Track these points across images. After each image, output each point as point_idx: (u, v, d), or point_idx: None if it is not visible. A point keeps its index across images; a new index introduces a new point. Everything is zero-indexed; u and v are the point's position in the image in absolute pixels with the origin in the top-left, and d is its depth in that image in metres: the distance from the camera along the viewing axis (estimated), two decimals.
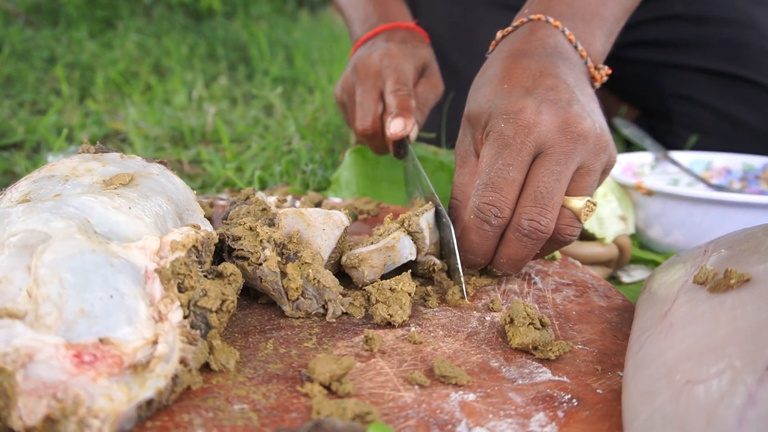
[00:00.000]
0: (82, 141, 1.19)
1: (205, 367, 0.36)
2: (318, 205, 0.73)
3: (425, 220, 0.49)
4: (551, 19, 0.56)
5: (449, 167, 0.87)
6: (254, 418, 0.32)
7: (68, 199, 0.38)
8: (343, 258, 0.47)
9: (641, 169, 0.85)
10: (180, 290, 0.37)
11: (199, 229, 0.42)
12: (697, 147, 1.03)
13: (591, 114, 0.49)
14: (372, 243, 0.47)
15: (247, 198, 0.60)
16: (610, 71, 0.58)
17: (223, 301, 0.38)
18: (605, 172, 0.51)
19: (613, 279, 0.67)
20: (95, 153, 0.49)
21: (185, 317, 0.36)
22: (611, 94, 1.26)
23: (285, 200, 0.64)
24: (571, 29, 0.56)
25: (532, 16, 0.58)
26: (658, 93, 1.11)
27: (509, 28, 0.60)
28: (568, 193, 0.47)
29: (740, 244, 0.39)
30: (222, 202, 0.72)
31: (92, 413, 0.28)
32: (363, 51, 0.76)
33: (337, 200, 0.77)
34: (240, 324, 0.43)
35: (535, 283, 0.53)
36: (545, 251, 0.51)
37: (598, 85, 0.57)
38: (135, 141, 1.22)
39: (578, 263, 0.59)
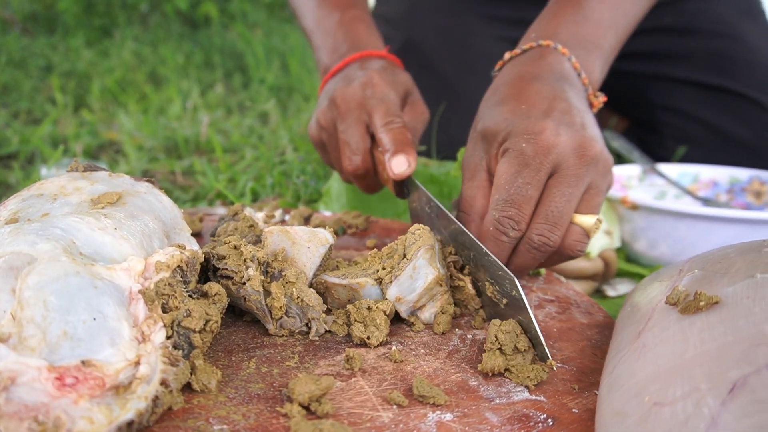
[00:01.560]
0: (76, 153, 1.20)
1: (187, 387, 0.36)
2: (307, 219, 0.74)
3: (397, 290, 0.47)
4: (560, 47, 0.58)
5: (439, 179, 0.88)
6: None
7: (55, 221, 0.39)
8: (314, 280, 0.48)
9: (629, 182, 0.86)
10: (164, 310, 0.38)
11: (185, 248, 0.43)
12: (685, 158, 1.05)
13: (599, 138, 0.53)
14: (340, 277, 0.48)
15: (236, 214, 0.60)
16: (605, 99, 0.61)
17: (207, 321, 0.39)
18: (606, 191, 0.54)
19: (599, 293, 0.68)
20: (84, 171, 0.50)
21: (169, 337, 0.37)
22: (604, 107, 1.28)
23: (273, 215, 0.65)
24: (575, 57, 0.58)
25: (542, 42, 0.60)
26: (646, 104, 1.12)
27: (517, 51, 0.62)
28: (577, 211, 0.51)
29: (713, 264, 0.40)
30: (213, 216, 0.73)
31: None
32: (338, 83, 0.69)
33: (327, 213, 0.78)
34: (224, 342, 0.43)
35: None
36: (552, 262, 0.54)
37: (594, 111, 0.59)
38: (129, 152, 1.23)
39: (562, 278, 0.60)
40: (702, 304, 0.35)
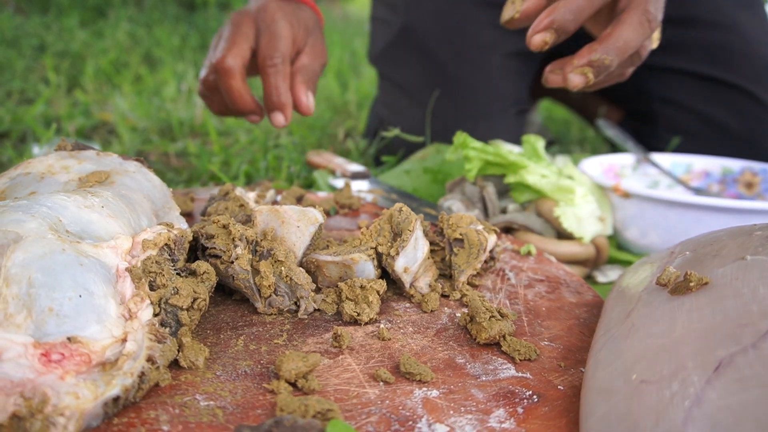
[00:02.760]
0: (69, 133, 1.19)
1: (175, 364, 0.36)
2: (299, 199, 0.74)
3: (404, 261, 0.47)
4: None
5: (432, 169, 0.88)
6: (220, 415, 0.32)
7: (41, 198, 0.39)
8: (304, 259, 0.48)
9: (622, 171, 0.86)
10: (152, 288, 0.38)
11: (173, 227, 0.42)
12: (680, 149, 1.04)
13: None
14: (332, 254, 0.48)
15: (226, 194, 0.60)
16: None
17: (195, 299, 0.39)
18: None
19: (589, 279, 0.68)
20: (72, 150, 0.49)
21: (156, 315, 0.37)
22: (595, 95, 1.27)
23: (265, 195, 0.65)
24: None
25: None
26: (642, 95, 1.12)
27: None
28: None
29: (704, 246, 0.40)
30: (204, 196, 0.73)
31: (58, 411, 0.29)
32: (240, 8, 0.74)
33: (322, 194, 0.77)
34: (212, 320, 0.43)
35: (508, 279, 0.54)
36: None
37: None
38: (122, 133, 1.22)
39: (553, 259, 0.60)
40: (692, 284, 0.35)
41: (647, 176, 0.87)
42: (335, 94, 1.94)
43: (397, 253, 0.47)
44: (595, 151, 1.36)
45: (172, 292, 0.38)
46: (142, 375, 0.32)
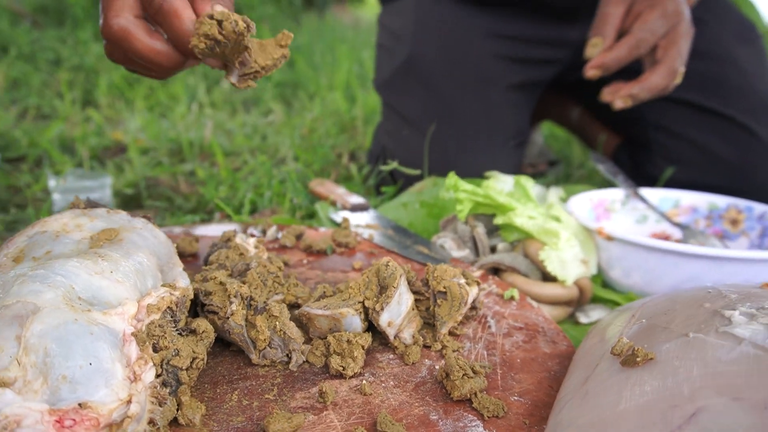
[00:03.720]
0: (83, 158, 1.24)
1: (175, 422, 0.41)
2: (299, 237, 0.78)
3: (389, 315, 0.52)
4: None
5: (428, 203, 0.92)
6: None
7: (56, 266, 0.43)
8: (297, 311, 0.52)
9: (612, 205, 0.89)
10: (155, 349, 0.42)
11: (175, 289, 0.47)
12: (674, 177, 1.07)
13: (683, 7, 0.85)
14: (321, 308, 0.52)
15: (228, 240, 0.65)
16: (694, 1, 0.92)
17: (194, 359, 0.43)
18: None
19: (572, 318, 0.72)
20: (84, 208, 0.54)
21: (158, 375, 0.41)
22: (595, 121, 1.30)
23: (263, 242, 0.69)
24: None
25: None
26: (638, 122, 1.15)
27: None
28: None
29: (659, 316, 0.44)
30: (209, 232, 0.77)
31: None
32: None
33: (322, 230, 0.82)
34: (210, 373, 0.48)
35: (489, 327, 0.58)
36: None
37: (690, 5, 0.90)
38: (134, 157, 1.27)
39: (534, 304, 0.64)
40: (638, 359, 0.38)
41: (636, 210, 0.90)
42: (342, 110, 1.98)
43: (382, 309, 0.51)
44: (595, 174, 1.39)
45: (173, 353, 0.42)
46: None
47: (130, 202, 1.10)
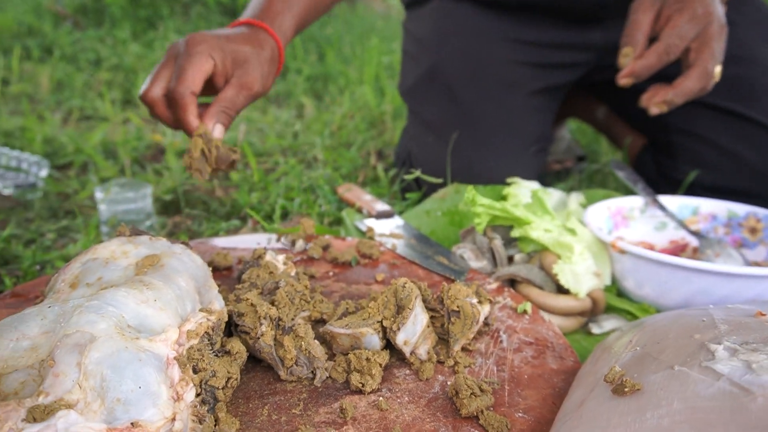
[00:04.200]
0: (125, 166, 1.31)
1: None
2: (325, 248, 0.83)
3: (405, 335, 0.57)
4: None
5: (450, 211, 0.96)
6: None
7: (108, 297, 0.49)
8: (321, 329, 0.57)
9: (631, 213, 0.92)
10: (194, 371, 0.48)
11: (211, 313, 0.52)
12: (697, 181, 1.09)
13: (717, 11, 0.87)
14: (344, 327, 0.57)
15: (259, 257, 0.70)
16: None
17: (229, 379, 0.49)
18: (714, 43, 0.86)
19: (585, 328, 0.75)
20: (129, 236, 0.60)
21: (198, 395, 0.47)
22: (620, 121, 1.31)
23: (292, 257, 0.74)
24: None
25: None
26: (662, 125, 1.16)
27: None
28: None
29: (652, 345, 0.47)
30: (241, 245, 0.83)
31: None
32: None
33: (349, 239, 0.86)
34: (243, 389, 0.53)
35: (501, 342, 0.62)
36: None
37: (724, 9, 0.91)
38: (171, 160, 1.34)
39: (546, 318, 0.68)
40: (626, 390, 0.42)
41: (655, 218, 0.92)
42: (371, 105, 2.01)
43: (398, 329, 0.56)
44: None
45: (211, 374, 0.48)
46: None
47: (169, 207, 1.17)
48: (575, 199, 0.96)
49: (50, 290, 0.57)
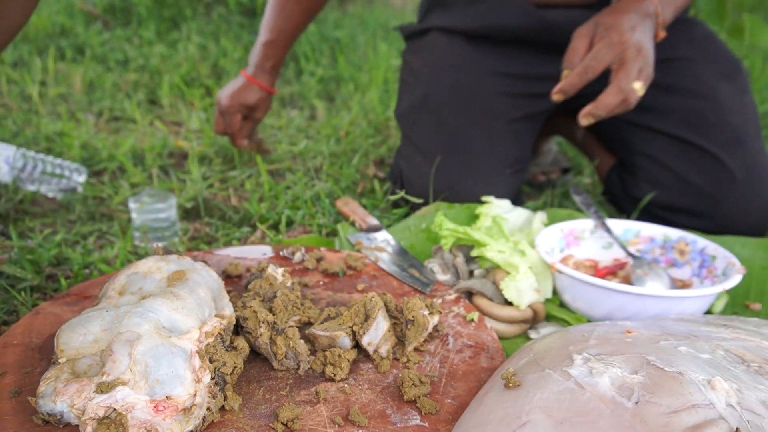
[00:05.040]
0: (151, 174, 1.51)
1: (221, 408, 0.66)
2: (319, 260, 1.03)
3: (368, 338, 0.75)
4: None
5: (428, 229, 1.14)
6: None
7: (148, 304, 0.69)
8: (306, 330, 0.77)
9: (582, 234, 1.09)
10: (210, 361, 0.68)
11: (223, 318, 0.72)
12: (655, 200, 1.25)
13: (644, 42, 1.05)
14: (324, 330, 0.76)
15: (262, 270, 0.90)
16: (665, 35, 1.12)
17: (235, 367, 0.69)
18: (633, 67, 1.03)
19: (526, 334, 0.93)
20: (162, 255, 0.80)
21: (212, 378, 0.67)
22: (595, 142, 1.48)
23: (289, 270, 0.93)
24: (660, 6, 1.09)
25: None
26: (627, 147, 1.33)
27: None
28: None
29: (542, 353, 0.66)
30: (249, 255, 1.02)
31: None
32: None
33: (341, 252, 1.05)
34: (245, 374, 0.73)
35: (447, 344, 0.81)
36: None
37: (657, 40, 1.10)
38: (193, 170, 1.54)
39: (489, 325, 0.86)
40: (511, 385, 0.61)
41: (602, 239, 1.09)
42: (377, 111, 2.18)
43: (364, 333, 0.75)
44: (599, 184, 1.57)
45: (222, 364, 0.68)
46: (204, 417, 0.62)
47: (191, 213, 1.37)
48: (539, 218, 1.14)
49: (103, 295, 0.77)
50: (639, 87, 1.03)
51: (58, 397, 0.61)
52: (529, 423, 0.55)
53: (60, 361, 0.65)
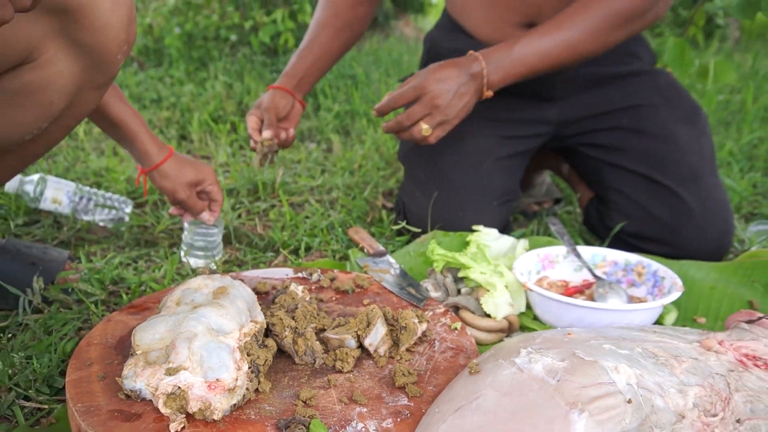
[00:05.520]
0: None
1: (256, 390, 0.88)
2: (332, 279, 1.25)
3: (370, 340, 0.98)
4: (480, 57, 1.30)
5: (425, 254, 1.36)
6: (273, 412, 0.84)
7: (201, 311, 0.92)
8: (321, 334, 0.99)
9: (556, 258, 1.30)
10: (248, 355, 0.90)
11: (257, 323, 0.95)
12: (624, 229, 1.46)
13: (445, 95, 1.28)
14: (335, 333, 0.98)
15: (286, 287, 1.12)
16: (491, 95, 1.33)
17: (266, 360, 0.91)
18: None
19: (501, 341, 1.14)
20: (208, 274, 1.03)
21: (249, 368, 0.89)
22: (578, 177, 1.70)
23: (308, 287, 1.15)
24: (486, 66, 1.29)
25: (473, 53, 1.31)
26: (601, 184, 1.54)
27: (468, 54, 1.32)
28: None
29: (500, 349, 0.87)
30: (274, 275, 1.25)
31: (214, 408, 0.81)
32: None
33: (351, 273, 1.28)
34: (274, 366, 0.95)
35: (434, 346, 1.02)
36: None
37: (483, 97, 1.33)
38: (224, 202, 1.78)
39: (469, 333, 1.08)
40: (472, 371, 0.82)
41: (574, 262, 1.30)
42: (388, 146, 2.42)
43: (366, 336, 0.97)
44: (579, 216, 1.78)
45: (256, 357, 0.90)
46: (243, 395, 0.85)
47: (223, 239, 1.61)
48: (521, 245, 1.36)
49: (163, 306, 1.00)
50: (426, 129, 1.30)
51: (137, 378, 0.84)
52: (482, 396, 0.76)
53: (137, 353, 0.88)
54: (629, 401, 0.73)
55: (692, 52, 1.71)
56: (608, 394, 0.73)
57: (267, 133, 1.46)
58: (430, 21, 5.35)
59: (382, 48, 3.92)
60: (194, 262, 1.42)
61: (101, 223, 1.66)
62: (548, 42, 1.28)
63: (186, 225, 1.42)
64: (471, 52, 1.31)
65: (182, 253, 1.43)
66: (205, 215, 1.40)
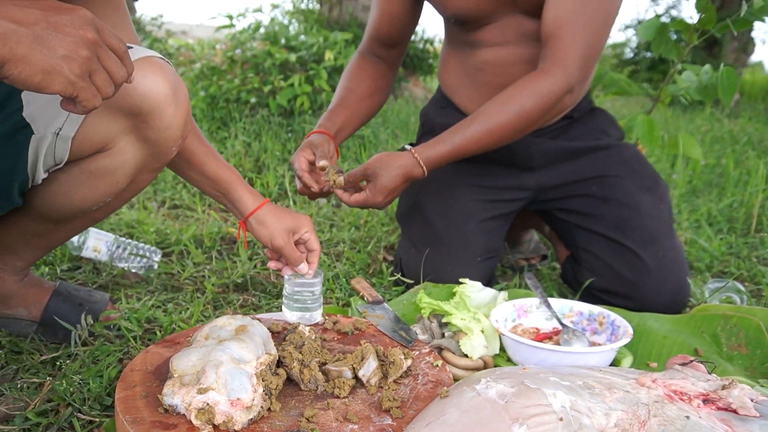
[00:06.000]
0: (212, 257, 2.01)
1: (268, 410, 1.10)
2: (335, 323, 1.48)
3: (363, 372, 1.20)
4: (412, 150, 1.55)
5: (416, 302, 1.59)
6: (282, 426, 1.06)
7: (226, 345, 1.15)
8: (323, 367, 1.22)
9: (530, 308, 1.53)
10: (262, 380, 1.12)
11: (271, 355, 1.17)
12: (593, 284, 1.68)
13: (386, 189, 1.55)
14: (335, 366, 1.20)
15: (295, 328, 1.35)
16: (424, 172, 1.56)
17: (277, 386, 1.13)
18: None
19: None
20: (232, 315, 1.27)
21: (264, 391, 1.11)
22: (557, 238, 1.93)
23: (314, 328, 1.38)
24: (418, 154, 1.53)
25: (407, 146, 1.58)
26: (574, 244, 1.77)
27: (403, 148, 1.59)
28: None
29: (466, 380, 1.09)
30: (284, 322, 1.48)
31: (235, 421, 1.03)
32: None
33: (352, 318, 1.51)
34: (283, 391, 1.17)
35: (418, 379, 1.24)
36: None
37: (421, 176, 1.57)
38: (241, 251, 2.03)
39: (449, 369, 1.29)
40: (443, 396, 1.04)
41: (545, 312, 1.52)
42: (392, 204, 2.67)
43: (360, 368, 1.20)
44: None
45: (269, 383, 1.12)
46: (258, 412, 1.07)
47: (240, 286, 1.85)
48: (501, 296, 1.58)
49: (194, 339, 1.23)
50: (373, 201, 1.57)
51: (174, 395, 1.07)
52: (447, 413, 0.98)
53: (174, 376, 1.11)
54: (561, 419, 0.94)
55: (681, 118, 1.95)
56: (545, 413, 0.94)
57: (324, 162, 1.56)
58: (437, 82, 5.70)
59: (391, 109, 4.22)
60: (292, 316, 1.44)
61: (134, 270, 1.90)
62: (473, 129, 1.53)
63: (286, 277, 1.48)
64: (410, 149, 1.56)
65: (283, 307, 1.45)
66: (303, 267, 1.41)
